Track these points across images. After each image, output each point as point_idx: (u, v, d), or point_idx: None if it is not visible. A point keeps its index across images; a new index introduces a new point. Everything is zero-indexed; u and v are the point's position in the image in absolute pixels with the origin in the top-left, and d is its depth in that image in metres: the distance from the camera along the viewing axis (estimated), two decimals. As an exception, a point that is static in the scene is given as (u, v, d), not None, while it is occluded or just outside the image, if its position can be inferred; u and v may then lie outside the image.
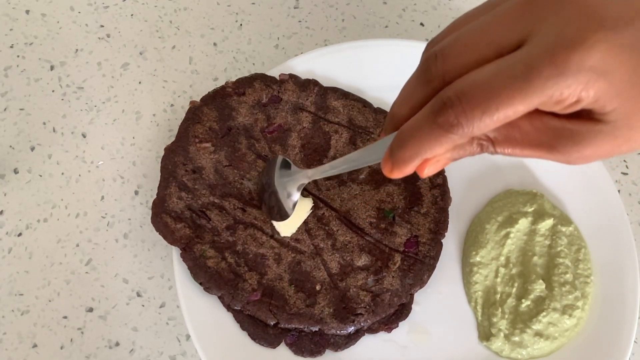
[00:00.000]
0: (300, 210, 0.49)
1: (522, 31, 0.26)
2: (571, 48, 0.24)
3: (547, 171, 0.55)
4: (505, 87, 0.25)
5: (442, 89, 0.28)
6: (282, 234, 0.49)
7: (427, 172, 0.31)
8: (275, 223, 0.49)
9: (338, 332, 0.47)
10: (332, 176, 0.52)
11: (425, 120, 0.28)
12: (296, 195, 0.46)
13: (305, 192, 0.51)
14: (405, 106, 0.31)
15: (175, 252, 0.48)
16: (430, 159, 0.30)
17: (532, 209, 0.51)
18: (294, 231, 0.49)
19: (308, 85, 0.55)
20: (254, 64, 0.62)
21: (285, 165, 0.48)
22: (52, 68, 0.60)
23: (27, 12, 0.63)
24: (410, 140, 0.29)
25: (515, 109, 0.26)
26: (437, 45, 0.29)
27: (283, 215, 0.47)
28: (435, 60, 0.28)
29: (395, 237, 0.50)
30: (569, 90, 0.25)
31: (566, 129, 0.28)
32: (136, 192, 0.55)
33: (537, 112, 0.29)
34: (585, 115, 0.27)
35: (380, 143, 0.33)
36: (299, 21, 0.64)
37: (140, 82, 0.60)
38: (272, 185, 0.47)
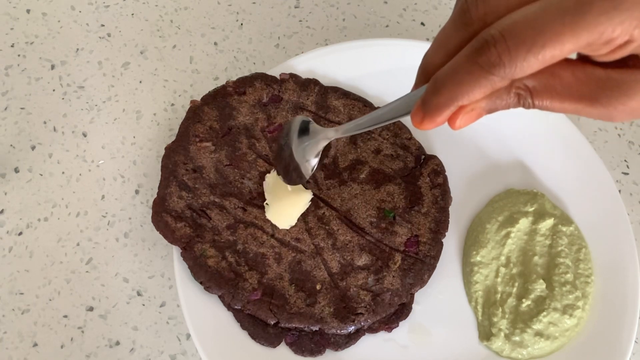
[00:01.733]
0: (299, 202, 0.49)
1: None
2: None
3: (547, 171, 0.55)
4: (554, 23, 0.24)
5: None
6: (280, 227, 0.49)
7: (460, 122, 0.29)
8: (272, 216, 0.49)
9: (338, 331, 0.47)
10: (332, 176, 0.52)
11: (465, 61, 0.26)
12: (315, 160, 0.43)
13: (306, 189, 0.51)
14: (441, 53, 0.29)
15: (175, 251, 0.48)
16: (465, 106, 0.28)
17: (533, 208, 0.51)
18: (293, 224, 0.49)
19: (309, 84, 0.55)
20: (254, 63, 0.62)
21: (305, 125, 0.43)
22: (52, 67, 0.60)
23: (28, 11, 0.63)
24: (447, 83, 0.27)
25: (562, 48, 0.24)
26: None
27: (300, 179, 0.44)
28: (476, 2, 0.26)
29: (395, 236, 0.50)
30: (621, 27, 0.23)
31: (611, 79, 0.26)
32: (137, 192, 0.55)
33: (579, 62, 0.27)
34: (632, 65, 0.26)
35: (410, 96, 0.31)
36: (300, 20, 0.64)
37: (140, 82, 0.60)
38: (290, 148, 0.44)
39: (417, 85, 0.31)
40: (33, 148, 0.56)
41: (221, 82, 0.60)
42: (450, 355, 0.48)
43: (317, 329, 0.47)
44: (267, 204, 0.49)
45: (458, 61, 0.27)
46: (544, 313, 0.47)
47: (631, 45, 0.24)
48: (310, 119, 0.44)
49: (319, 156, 0.43)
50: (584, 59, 0.27)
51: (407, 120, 0.55)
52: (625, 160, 0.59)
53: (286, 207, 0.49)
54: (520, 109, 0.29)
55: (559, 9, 0.24)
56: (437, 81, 0.28)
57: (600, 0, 0.23)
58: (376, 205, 0.51)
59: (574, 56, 0.27)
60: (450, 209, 0.52)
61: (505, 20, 0.25)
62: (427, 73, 0.30)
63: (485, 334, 0.48)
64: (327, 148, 0.53)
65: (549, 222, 0.51)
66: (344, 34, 0.64)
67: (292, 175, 0.44)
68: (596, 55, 0.26)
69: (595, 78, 0.27)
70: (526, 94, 0.28)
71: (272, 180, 0.50)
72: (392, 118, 0.34)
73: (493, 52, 0.25)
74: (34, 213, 0.54)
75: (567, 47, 0.24)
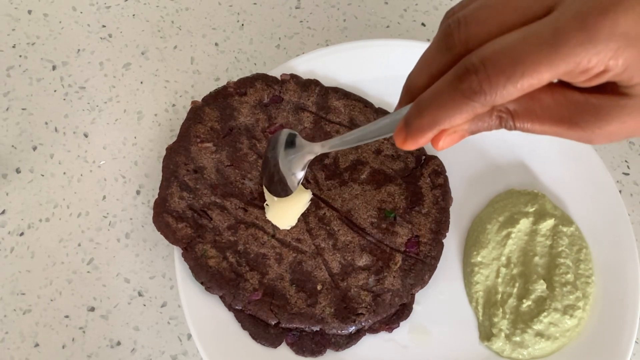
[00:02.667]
0: (299, 202, 0.49)
1: None
2: (603, 13, 0.23)
3: (548, 171, 0.55)
4: (532, 53, 0.24)
5: (464, 57, 0.27)
6: (281, 227, 0.49)
7: (443, 144, 0.29)
8: (272, 217, 0.49)
9: (339, 331, 0.47)
10: (333, 177, 0.52)
11: (446, 87, 0.27)
12: (301, 173, 0.44)
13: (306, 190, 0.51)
14: (424, 75, 0.29)
15: (176, 251, 0.48)
16: (448, 129, 0.29)
17: (534, 209, 0.51)
18: (293, 224, 0.49)
19: (309, 85, 0.55)
20: (255, 64, 0.62)
21: (291, 139, 0.44)
22: (54, 68, 0.60)
23: (30, 12, 0.63)
24: (429, 107, 0.28)
25: (540, 77, 0.25)
26: (460, 12, 0.28)
27: (287, 192, 0.45)
28: (459, 27, 0.27)
29: (396, 237, 0.50)
30: (597, 58, 0.24)
31: (589, 104, 0.27)
32: (138, 192, 0.55)
33: (559, 86, 0.28)
34: (609, 90, 0.26)
35: (394, 115, 0.32)
36: (301, 21, 0.64)
37: (142, 82, 0.60)
38: (276, 160, 0.45)
39: (400, 104, 0.32)
40: (34, 149, 0.56)
41: (222, 82, 0.60)
42: (451, 356, 0.48)
43: (318, 329, 0.47)
44: (267, 204, 0.50)
45: (440, 86, 0.28)
46: (545, 313, 0.47)
47: (607, 74, 0.25)
48: (297, 133, 0.45)
49: (305, 169, 0.44)
50: (563, 84, 0.28)
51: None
52: (625, 161, 0.59)
53: (286, 207, 0.49)
54: None
55: (537, 40, 0.25)
56: (420, 104, 0.29)
57: (576, 31, 0.24)
58: (377, 205, 0.51)
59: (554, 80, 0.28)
60: (451, 209, 0.52)
61: (486, 49, 0.26)
62: (410, 93, 0.31)
63: (486, 334, 0.48)
64: (326, 153, 0.53)
65: (549, 223, 0.51)
66: (344, 34, 0.64)
67: (277, 187, 0.45)
68: (575, 82, 0.26)
69: (574, 102, 0.27)
70: (507, 116, 0.29)
71: None
72: (376, 136, 0.35)
73: (474, 80, 0.26)
74: (36, 213, 0.54)
75: (545, 77, 0.25)
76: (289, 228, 0.49)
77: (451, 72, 0.27)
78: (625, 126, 0.27)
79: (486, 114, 0.29)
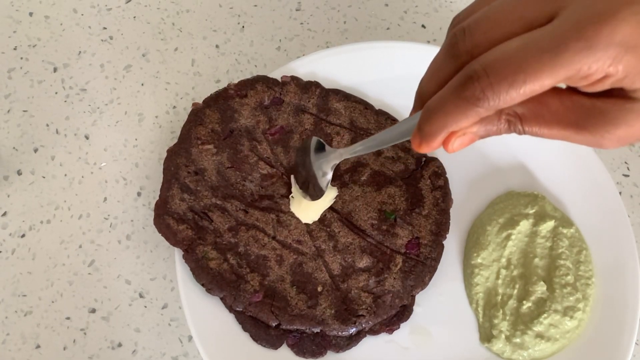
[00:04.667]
0: (325, 198, 0.50)
1: (552, 6, 0.26)
2: (601, 22, 0.24)
3: (548, 173, 0.55)
4: (533, 60, 0.25)
5: None
6: (303, 221, 0.50)
7: (453, 146, 0.31)
8: (296, 209, 0.50)
9: (339, 333, 0.47)
10: (333, 179, 0.52)
11: (450, 94, 0.28)
12: (330, 174, 0.47)
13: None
14: (433, 82, 0.31)
15: (177, 253, 0.48)
16: (457, 132, 0.30)
17: (534, 210, 0.51)
18: (315, 219, 0.50)
19: (310, 87, 0.55)
20: (256, 66, 0.62)
21: (319, 145, 0.48)
22: (55, 70, 0.60)
23: (31, 14, 0.63)
24: (436, 113, 0.29)
25: (542, 83, 0.26)
26: (465, 21, 0.29)
27: (318, 193, 0.47)
28: (464, 36, 0.28)
29: (396, 238, 0.50)
30: (597, 65, 0.25)
31: (596, 108, 0.28)
32: (139, 194, 0.55)
33: (567, 91, 0.28)
34: (617, 94, 0.27)
35: (410, 120, 0.34)
36: (301, 23, 0.64)
37: (142, 84, 0.60)
38: (308, 165, 0.48)
39: (414, 109, 0.33)
40: (35, 150, 0.57)
41: (223, 84, 0.60)
42: (451, 357, 0.48)
43: (319, 330, 0.47)
44: (292, 197, 0.50)
45: (445, 93, 0.29)
46: (545, 315, 0.47)
47: (609, 80, 0.26)
48: (323, 141, 0.48)
49: (332, 170, 0.47)
50: (571, 89, 0.28)
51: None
52: (625, 162, 0.59)
53: (312, 202, 0.49)
54: None
55: (538, 47, 0.25)
56: (429, 110, 0.30)
57: (576, 40, 0.25)
58: (377, 207, 0.51)
59: (563, 85, 0.28)
60: (451, 211, 0.52)
61: (488, 56, 0.27)
62: (421, 99, 0.32)
63: (486, 335, 0.48)
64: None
65: (549, 224, 0.51)
66: (345, 36, 0.64)
67: (312, 190, 0.48)
68: (579, 87, 0.27)
69: (581, 106, 0.28)
70: (516, 120, 0.30)
71: None
72: (395, 141, 0.37)
73: (477, 87, 0.27)
74: (37, 215, 0.54)
75: (546, 83, 0.26)
76: (310, 222, 0.50)
77: (455, 79, 0.28)
78: (633, 129, 0.27)
79: (495, 117, 0.30)
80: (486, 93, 0.26)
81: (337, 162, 0.46)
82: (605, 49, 0.24)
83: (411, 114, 0.34)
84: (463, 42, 0.28)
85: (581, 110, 0.28)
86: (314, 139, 0.48)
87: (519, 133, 0.30)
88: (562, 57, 0.25)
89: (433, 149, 0.31)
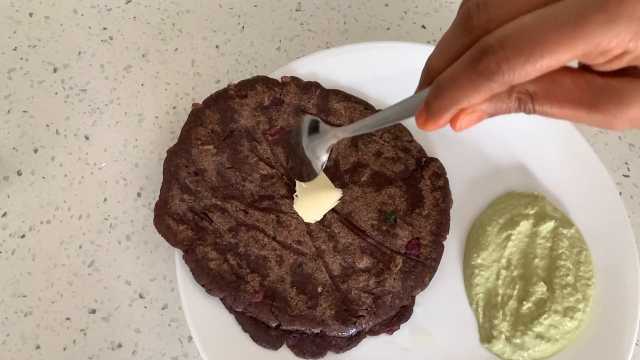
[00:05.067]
0: (329, 198, 0.50)
1: None
2: None
3: (548, 173, 0.55)
4: (552, 34, 0.25)
5: None
6: (306, 220, 0.50)
7: (461, 124, 0.29)
8: (299, 209, 0.50)
9: (339, 334, 0.47)
10: (333, 179, 0.52)
11: (463, 68, 0.27)
12: (325, 156, 0.44)
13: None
14: (443, 58, 0.30)
15: (177, 254, 0.48)
16: (466, 109, 0.29)
17: (534, 211, 0.51)
18: (318, 219, 0.50)
19: (310, 87, 0.55)
20: (256, 66, 0.62)
21: (314, 125, 0.45)
22: (55, 70, 0.60)
23: (31, 14, 0.63)
24: (448, 87, 0.28)
25: (559, 57, 0.25)
26: None
27: (311, 176, 0.45)
28: (477, 10, 0.27)
29: (396, 239, 0.50)
30: (617, 39, 0.24)
31: (610, 87, 0.27)
32: (139, 194, 0.55)
33: (580, 70, 0.28)
34: (631, 73, 0.26)
35: (414, 97, 0.32)
36: (301, 24, 0.64)
37: (142, 85, 0.60)
38: (300, 146, 0.45)
39: (420, 87, 0.32)
40: (36, 151, 0.57)
41: (223, 85, 0.60)
42: (451, 358, 0.48)
43: (319, 331, 0.47)
44: (296, 195, 0.50)
45: (458, 67, 0.28)
46: (545, 315, 0.47)
47: (627, 57, 0.25)
48: (319, 119, 0.45)
49: (328, 153, 0.44)
50: (584, 67, 0.28)
51: (407, 123, 0.55)
52: (625, 163, 0.59)
53: (315, 201, 0.49)
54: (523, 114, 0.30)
55: (557, 21, 0.25)
56: (439, 85, 0.29)
57: (597, 12, 0.24)
58: (377, 207, 0.51)
59: (574, 64, 0.28)
60: (451, 211, 0.52)
61: (504, 29, 0.26)
62: (429, 76, 0.31)
63: (486, 336, 0.48)
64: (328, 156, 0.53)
65: (549, 225, 0.51)
66: (345, 37, 0.64)
67: (303, 171, 0.45)
68: (595, 65, 0.27)
69: (594, 85, 0.27)
70: (527, 98, 0.28)
71: None
72: (397, 119, 0.35)
73: (492, 60, 0.26)
74: (37, 216, 0.54)
75: (564, 57, 0.25)
76: (313, 222, 0.50)
77: (469, 53, 0.27)
78: None
79: (505, 95, 0.29)
80: (502, 67, 0.26)
81: (334, 142, 0.43)
82: (628, 23, 0.24)
83: (416, 91, 0.33)
84: (477, 16, 0.27)
85: (594, 89, 0.27)
86: (308, 118, 0.45)
87: (528, 112, 0.29)
88: (583, 31, 0.24)
89: (439, 126, 0.30)
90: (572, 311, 0.48)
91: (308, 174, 0.45)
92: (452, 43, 0.29)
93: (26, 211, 0.54)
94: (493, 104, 0.29)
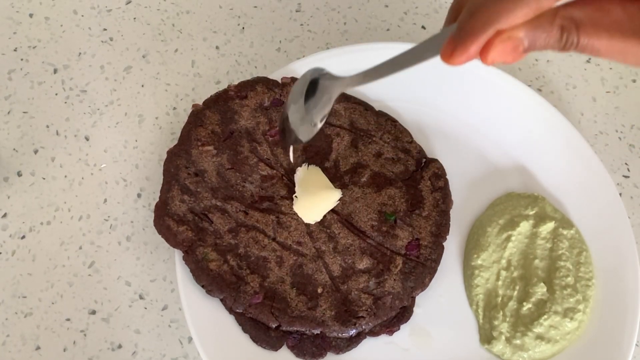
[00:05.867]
0: (328, 199, 0.50)
1: None
2: None
3: (548, 174, 0.55)
4: None
5: None
6: (306, 220, 0.50)
7: (494, 54, 0.26)
8: (299, 209, 0.50)
9: (340, 334, 0.47)
10: (333, 180, 0.52)
11: None
12: (321, 124, 0.39)
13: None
14: None
15: (177, 254, 0.48)
16: (502, 32, 0.26)
17: (534, 212, 0.51)
18: (318, 220, 0.50)
19: (310, 88, 0.55)
20: (256, 67, 0.62)
21: (313, 86, 0.38)
22: (55, 71, 0.60)
23: (31, 15, 0.63)
24: (483, 4, 0.25)
25: None
26: None
27: (303, 139, 0.39)
28: None
29: (396, 240, 0.50)
30: None
31: None
32: (139, 195, 0.55)
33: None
34: None
35: (437, 35, 0.29)
36: (301, 24, 0.64)
37: (143, 85, 0.60)
38: (286, 114, 0.39)
39: (447, 22, 0.30)
40: (36, 152, 0.57)
41: (223, 85, 0.60)
42: (452, 358, 0.48)
43: (319, 332, 0.47)
44: (296, 196, 0.50)
45: None
46: (545, 316, 0.47)
47: None
48: (320, 75, 0.38)
49: (331, 105, 0.39)
50: None
51: (408, 123, 0.55)
52: (626, 164, 0.59)
53: (315, 202, 0.49)
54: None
55: None
56: (475, 3, 0.26)
57: None
58: (377, 208, 0.51)
59: None
60: (451, 212, 0.52)
61: None
62: (458, 9, 0.28)
63: (486, 337, 0.48)
64: (328, 152, 0.53)
65: (549, 226, 0.51)
66: (345, 37, 0.64)
67: (290, 136, 0.40)
68: None
69: None
70: (571, 26, 0.26)
71: (303, 173, 0.50)
72: (418, 60, 0.30)
73: None
74: (37, 216, 0.54)
75: None
76: (313, 223, 0.50)
77: None
78: None
79: (547, 21, 0.26)
80: None
81: (340, 92, 0.37)
82: None
83: (444, 27, 0.29)
84: None
85: None
86: (307, 77, 0.38)
87: (571, 46, 0.26)
88: None
89: (469, 56, 0.26)
90: (572, 312, 0.48)
91: (301, 136, 0.40)
92: None
93: (26, 212, 0.54)
94: (532, 31, 0.26)
